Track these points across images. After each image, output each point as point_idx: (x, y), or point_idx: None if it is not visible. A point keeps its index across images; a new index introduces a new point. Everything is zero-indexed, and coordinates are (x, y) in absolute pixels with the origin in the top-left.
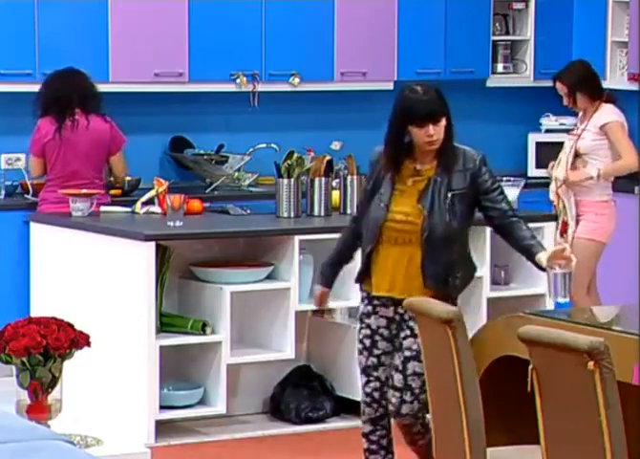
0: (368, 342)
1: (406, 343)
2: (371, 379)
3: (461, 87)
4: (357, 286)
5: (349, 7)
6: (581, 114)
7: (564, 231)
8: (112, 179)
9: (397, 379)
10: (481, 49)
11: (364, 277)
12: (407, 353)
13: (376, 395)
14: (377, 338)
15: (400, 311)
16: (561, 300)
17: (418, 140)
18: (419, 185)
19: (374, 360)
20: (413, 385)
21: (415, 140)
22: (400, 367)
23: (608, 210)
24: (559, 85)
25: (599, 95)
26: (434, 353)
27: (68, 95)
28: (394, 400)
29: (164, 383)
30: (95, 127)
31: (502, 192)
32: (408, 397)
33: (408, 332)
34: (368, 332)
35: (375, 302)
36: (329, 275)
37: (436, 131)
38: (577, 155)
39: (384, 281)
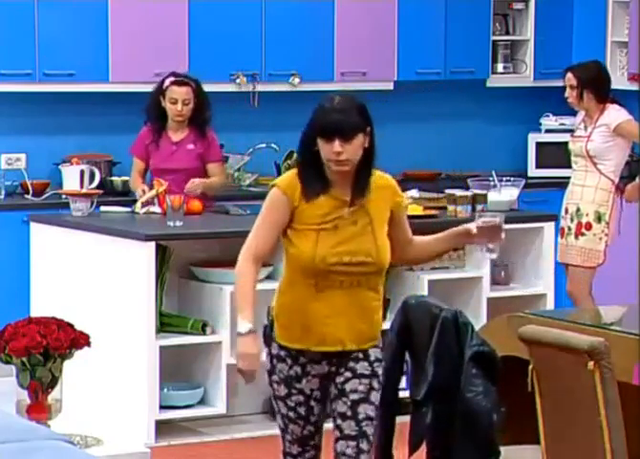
0: (303, 411)
1: (349, 386)
2: (307, 448)
3: (461, 87)
4: None
5: (349, 7)
6: (583, 115)
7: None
8: None
9: (349, 426)
10: (481, 49)
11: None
12: (353, 396)
13: None
14: (313, 403)
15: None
16: (494, 256)
17: (324, 155)
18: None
19: (312, 428)
20: (367, 432)
21: (322, 155)
22: (350, 413)
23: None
24: (570, 75)
25: (605, 98)
26: None
27: None
28: (349, 451)
29: (164, 383)
30: None
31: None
32: (365, 446)
33: (349, 374)
34: (301, 398)
35: (302, 360)
36: None
37: (345, 149)
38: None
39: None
